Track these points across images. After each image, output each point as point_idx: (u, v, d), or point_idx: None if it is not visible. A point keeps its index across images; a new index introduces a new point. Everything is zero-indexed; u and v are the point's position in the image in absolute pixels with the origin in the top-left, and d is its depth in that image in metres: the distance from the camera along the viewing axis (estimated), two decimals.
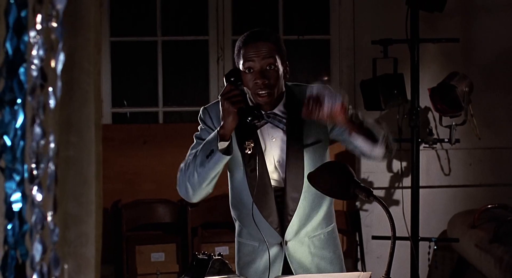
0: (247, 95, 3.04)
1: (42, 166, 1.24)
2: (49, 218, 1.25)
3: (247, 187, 3.11)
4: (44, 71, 1.26)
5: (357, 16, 6.07)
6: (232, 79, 2.99)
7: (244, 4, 6.24)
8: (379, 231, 5.77)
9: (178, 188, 3.10)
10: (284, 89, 3.11)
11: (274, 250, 3.14)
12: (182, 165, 3.08)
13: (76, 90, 1.47)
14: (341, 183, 2.87)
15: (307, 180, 2.96)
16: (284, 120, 3.09)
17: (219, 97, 2.98)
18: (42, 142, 1.24)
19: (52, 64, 1.28)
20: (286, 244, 3.13)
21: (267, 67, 2.98)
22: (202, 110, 3.18)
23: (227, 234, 5.64)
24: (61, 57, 1.28)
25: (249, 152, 3.04)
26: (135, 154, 5.94)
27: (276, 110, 3.10)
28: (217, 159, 2.95)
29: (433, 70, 5.95)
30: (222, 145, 2.96)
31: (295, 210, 3.10)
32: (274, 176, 3.13)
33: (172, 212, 5.91)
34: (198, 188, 3.04)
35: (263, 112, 3.03)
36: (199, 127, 3.17)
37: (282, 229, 3.13)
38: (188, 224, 5.78)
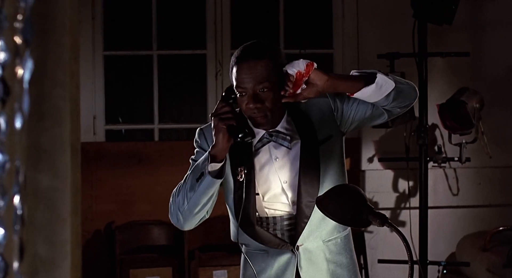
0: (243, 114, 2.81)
1: (5, 200, 1.00)
2: (14, 266, 1.00)
3: (235, 218, 2.91)
4: (7, 82, 1.02)
5: (361, 29, 5.96)
6: (223, 95, 2.80)
7: (244, 16, 6.14)
8: (385, 253, 5.60)
9: (170, 215, 2.89)
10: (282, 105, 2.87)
11: (285, 257, 2.91)
12: (174, 189, 2.86)
13: (48, 107, 1.22)
14: (353, 208, 2.64)
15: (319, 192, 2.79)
16: (289, 138, 2.86)
17: (210, 116, 2.79)
18: (5, 171, 0.99)
19: (18, 73, 1.03)
20: (298, 249, 2.90)
21: (261, 90, 2.75)
22: (198, 132, 2.98)
23: (226, 257, 5.58)
24: (29, 65, 1.04)
25: (240, 179, 2.82)
26: (129, 173, 5.85)
27: (279, 128, 2.88)
28: (208, 182, 2.73)
29: (441, 85, 5.79)
30: (214, 166, 2.74)
31: (310, 216, 2.86)
32: (281, 199, 2.89)
33: (168, 234, 5.81)
34: (189, 215, 2.82)
35: (264, 132, 2.84)
36: (195, 151, 2.95)
37: (294, 235, 2.90)
38: (184, 246, 5.67)
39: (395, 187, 5.93)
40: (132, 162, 5.85)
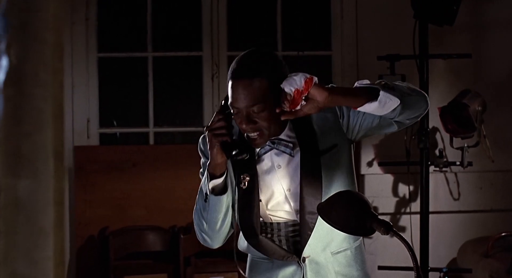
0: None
1: None
2: None
3: (240, 225, 2.84)
4: None
5: (361, 30, 5.88)
6: (221, 105, 2.69)
7: (240, 17, 6.07)
8: (385, 259, 5.50)
9: (198, 238, 2.85)
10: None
11: (290, 269, 2.80)
12: (193, 211, 2.81)
13: (28, 110, 1.10)
14: (356, 216, 2.52)
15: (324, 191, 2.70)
16: (291, 145, 2.76)
17: (204, 130, 2.69)
18: None
19: None
20: (304, 261, 2.79)
21: (255, 111, 2.64)
22: (202, 141, 2.87)
23: (222, 264, 5.56)
24: (4, 62, 0.93)
25: (244, 187, 2.75)
26: (124, 177, 5.79)
27: (282, 136, 2.78)
28: (214, 201, 2.69)
29: (442, 88, 5.72)
30: (216, 182, 2.68)
31: (313, 228, 2.76)
32: (285, 207, 2.80)
33: (163, 240, 5.75)
34: (213, 233, 2.78)
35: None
36: (201, 162, 2.87)
37: (299, 246, 2.79)
38: (180, 252, 5.57)
39: (395, 192, 5.85)
40: (127, 166, 5.79)
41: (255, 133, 2.66)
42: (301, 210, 2.75)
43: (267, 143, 2.74)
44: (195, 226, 2.79)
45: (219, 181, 2.66)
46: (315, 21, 6.10)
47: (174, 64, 6.05)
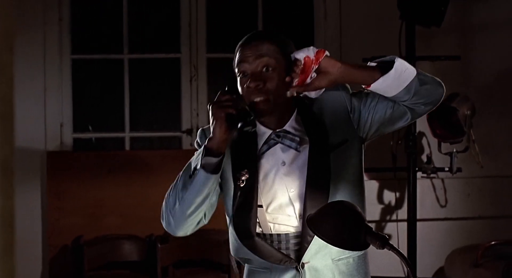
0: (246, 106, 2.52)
1: None
2: None
3: (234, 227, 2.62)
4: None
5: (345, 31, 5.78)
6: (225, 89, 2.52)
7: (220, 18, 5.99)
8: (373, 269, 5.29)
9: (161, 220, 2.59)
10: (291, 101, 2.59)
11: (288, 276, 2.60)
12: (167, 192, 2.57)
13: None
14: (349, 229, 2.34)
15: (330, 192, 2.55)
16: (298, 139, 2.57)
17: (208, 106, 2.49)
18: None
19: None
20: (303, 267, 2.59)
21: (263, 69, 2.49)
22: (199, 133, 2.68)
23: (202, 274, 5.46)
24: None
25: (241, 185, 2.52)
26: (98, 184, 5.66)
27: (287, 127, 2.59)
28: (202, 178, 2.44)
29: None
30: (209, 161, 2.45)
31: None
32: (287, 210, 2.59)
33: (140, 249, 5.61)
34: (181, 217, 2.53)
35: (271, 132, 2.57)
36: (195, 154, 2.64)
37: (298, 252, 2.60)
38: (158, 262, 5.42)
39: (380, 199, 5.74)
40: (102, 172, 5.67)
41: (260, 98, 2.48)
42: (303, 214, 2.55)
43: (272, 137, 2.57)
44: (163, 207, 2.56)
45: (214, 160, 2.46)
46: (297, 22, 6.03)
47: (151, 66, 5.95)
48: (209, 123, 2.57)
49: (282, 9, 5.98)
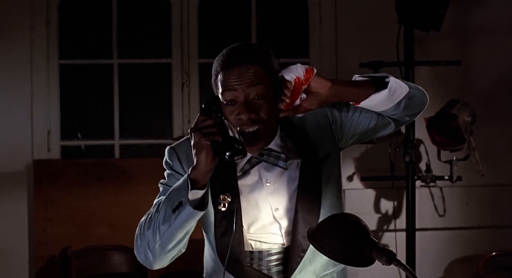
0: (230, 129, 2.35)
1: None
2: None
3: (217, 255, 2.51)
4: None
5: (340, 35, 5.77)
6: (203, 107, 2.36)
7: (212, 22, 5.96)
8: None
9: (136, 251, 2.43)
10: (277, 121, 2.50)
11: None
12: (142, 219, 2.41)
13: None
14: (353, 244, 2.22)
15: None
16: (283, 156, 2.45)
17: (189, 131, 2.32)
18: None
19: None
20: None
21: (255, 98, 2.35)
22: (168, 151, 2.54)
23: None
24: None
25: (223, 209, 2.39)
26: (87, 193, 5.64)
27: (272, 146, 2.47)
28: (187, 214, 2.28)
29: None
30: (195, 194, 2.28)
31: (307, 249, 2.47)
32: (271, 229, 2.48)
33: (129, 260, 5.55)
34: (161, 253, 2.38)
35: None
36: (165, 174, 2.53)
37: (285, 271, 2.51)
38: (148, 274, 5.43)
39: (377, 208, 5.69)
40: (91, 181, 5.64)
41: (254, 128, 2.35)
42: (294, 230, 2.45)
43: (253, 156, 2.44)
44: (138, 237, 2.39)
45: (200, 193, 2.29)
46: (292, 26, 6.01)
47: (142, 72, 5.94)
48: (179, 139, 2.50)
49: (276, 13, 5.96)
